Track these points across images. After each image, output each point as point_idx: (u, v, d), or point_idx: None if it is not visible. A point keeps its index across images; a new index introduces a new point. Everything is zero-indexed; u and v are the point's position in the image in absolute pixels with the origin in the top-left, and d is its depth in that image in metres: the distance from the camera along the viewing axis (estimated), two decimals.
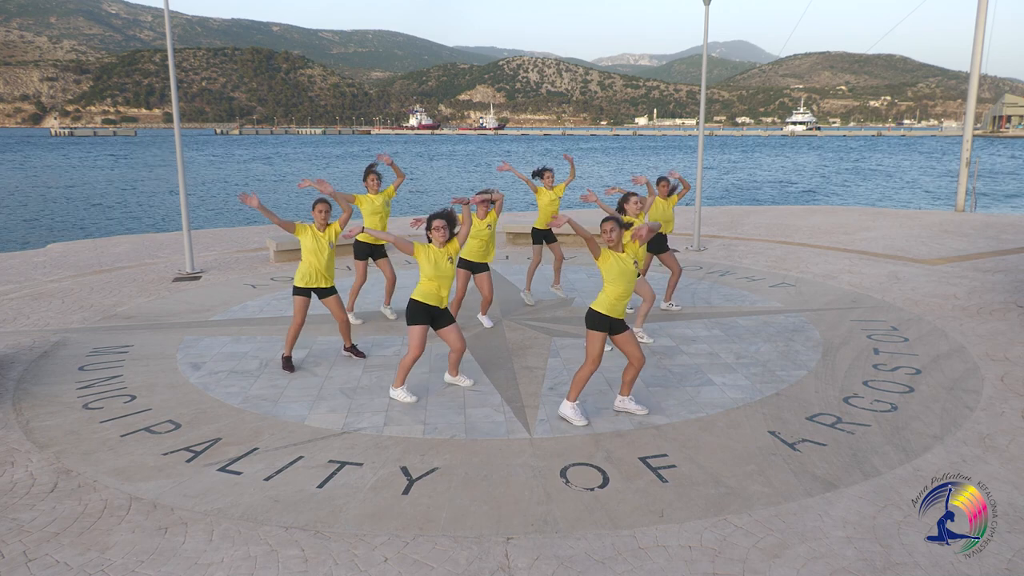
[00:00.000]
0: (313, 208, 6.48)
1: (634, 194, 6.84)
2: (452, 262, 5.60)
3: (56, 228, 24.79)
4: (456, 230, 5.73)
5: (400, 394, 5.77)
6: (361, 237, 7.87)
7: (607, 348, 6.72)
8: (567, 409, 5.31)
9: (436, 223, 5.53)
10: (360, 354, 6.93)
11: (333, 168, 62.69)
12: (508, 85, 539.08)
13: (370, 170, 7.84)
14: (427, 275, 5.56)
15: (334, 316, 6.74)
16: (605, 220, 5.10)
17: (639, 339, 7.14)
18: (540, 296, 9.15)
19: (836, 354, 6.78)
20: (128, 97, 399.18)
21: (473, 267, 7.58)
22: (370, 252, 8.06)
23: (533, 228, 8.76)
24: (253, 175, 53.53)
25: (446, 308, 5.76)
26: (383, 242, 7.96)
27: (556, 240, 8.76)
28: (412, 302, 5.61)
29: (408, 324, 5.62)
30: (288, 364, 6.56)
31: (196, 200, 34.42)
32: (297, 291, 6.52)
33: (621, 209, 6.79)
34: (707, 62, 13.66)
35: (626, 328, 5.21)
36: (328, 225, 6.54)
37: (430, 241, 5.61)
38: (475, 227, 7.41)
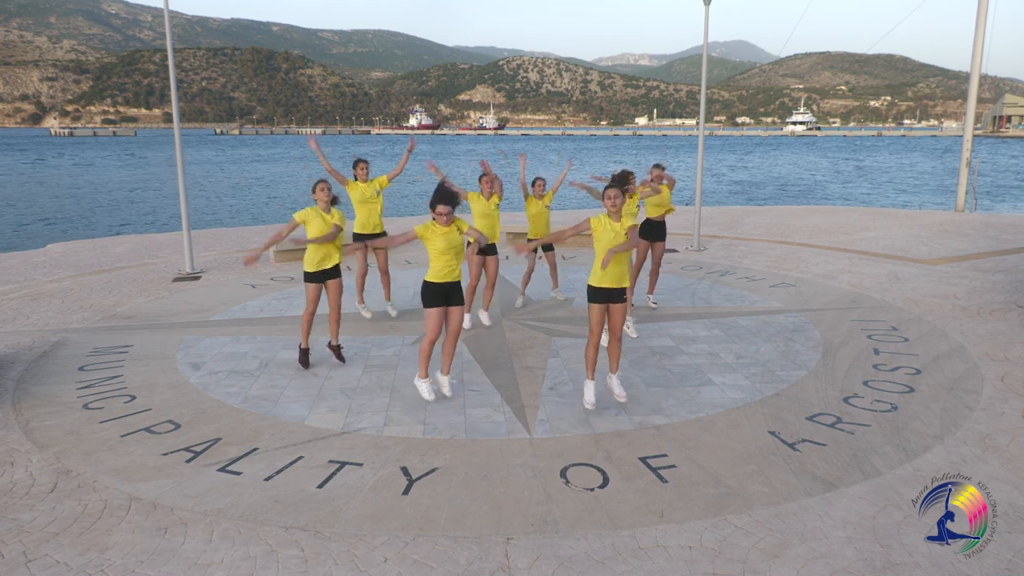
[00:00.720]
0: (314, 190, 6.42)
1: (631, 172, 7.08)
2: (461, 233, 5.65)
3: (57, 228, 24.78)
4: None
5: (423, 387, 5.75)
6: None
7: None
8: (586, 390, 5.53)
9: (440, 208, 5.53)
10: (341, 358, 6.67)
11: (336, 166, 62.65)
12: (508, 85, 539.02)
13: (359, 160, 7.99)
14: (439, 250, 5.55)
15: (330, 302, 6.54)
16: (609, 187, 5.34)
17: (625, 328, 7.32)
18: (540, 297, 9.15)
19: (836, 354, 6.78)
20: (128, 97, 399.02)
21: (484, 250, 7.68)
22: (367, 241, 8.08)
23: (527, 239, 8.78)
24: (264, 175, 53.48)
25: (458, 282, 5.72)
26: (379, 231, 8.00)
27: (552, 248, 8.84)
28: (426, 284, 5.61)
29: (424, 307, 5.63)
30: (304, 358, 6.53)
31: (211, 201, 34.40)
32: (308, 277, 6.44)
33: (623, 184, 6.87)
34: (707, 62, 13.66)
35: (622, 301, 5.44)
36: (333, 209, 6.46)
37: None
38: (484, 207, 7.67)
